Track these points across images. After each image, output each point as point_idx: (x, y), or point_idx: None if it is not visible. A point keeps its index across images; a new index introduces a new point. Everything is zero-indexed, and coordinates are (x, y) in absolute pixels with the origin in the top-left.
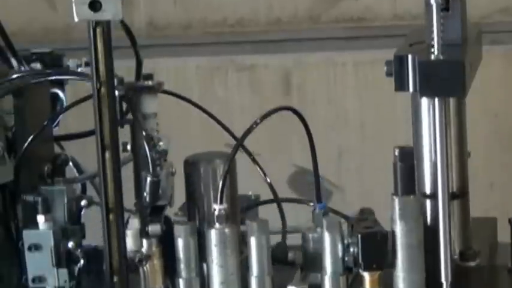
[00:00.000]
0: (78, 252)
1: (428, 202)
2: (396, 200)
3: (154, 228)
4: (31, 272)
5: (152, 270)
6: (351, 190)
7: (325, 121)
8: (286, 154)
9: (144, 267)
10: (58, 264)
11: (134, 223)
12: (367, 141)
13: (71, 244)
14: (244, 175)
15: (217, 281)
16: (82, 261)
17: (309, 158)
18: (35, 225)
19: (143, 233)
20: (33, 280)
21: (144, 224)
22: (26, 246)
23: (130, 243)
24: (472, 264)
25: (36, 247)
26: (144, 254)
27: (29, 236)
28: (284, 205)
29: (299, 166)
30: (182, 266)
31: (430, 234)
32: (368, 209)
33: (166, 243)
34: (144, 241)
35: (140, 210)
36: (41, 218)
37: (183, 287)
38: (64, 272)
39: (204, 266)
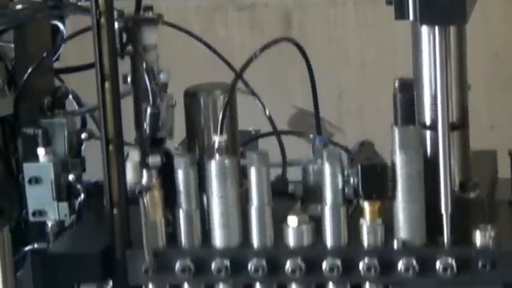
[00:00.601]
0: (79, 186)
1: (428, 133)
2: (396, 131)
3: (154, 159)
4: (31, 206)
5: (152, 202)
6: (351, 131)
7: (326, 61)
8: (287, 95)
9: (144, 199)
10: (58, 198)
11: (134, 155)
12: (368, 81)
13: (71, 177)
14: (244, 113)
15: (218, 212)
16: (82, 196)
17: (309, 100)
18: (35, 158)
19: (143, 164)
20: (34, 214)
21: (144, 156)
22: (26, 179)
23: (130, 175)
24: (472, 195)
25: (36, 180)
26: (144, 186)
27: (29, 169)
28: (285, 142)
29: (299, 107)
30: (182, 197)
31: (430, 166)
32: (368, 142)
33: (166, 175)
34: (144, 172)
35: (140, 142)
36: (41, 151)
37: (183, 218)
38: (64, 205)
39: (204, 198)
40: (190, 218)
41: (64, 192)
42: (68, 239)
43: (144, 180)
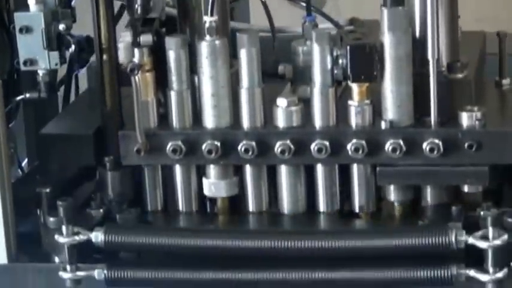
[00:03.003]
0: (69, 37)
1: (417, 12)
2: (385, 11)
3: (146, 37)
4: (22, 55)
5: (144, 81)
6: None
7: None
8: None
9: (136, 78)
10: (49, 47)
11: (126, 36)
12: None
13: (61, 27)
14: None
15: (208, 92)
16: (73, 47)
17: None
18: (26, 7)
19: (135, 43)
20: (25, 63)
21: (135, 35)
22: (17, 28)
23: (122, 56)
24: (459, 76)
25: (27, 29)
26: (136, 63)
27: (20, 19)
28: (277, 9)
29: None
30: (173, 78)
31: (418, 47)
32: (358, 20)
33: (158, 57)
34: (136, 50)
35: (132, 21)
36: (31, 1)
37: (175, 98)
38: (55, 54)
39: (196, 79)
40: (181, 98)
41: (54, 41)
42: (61, 120)
43: (136, 58)
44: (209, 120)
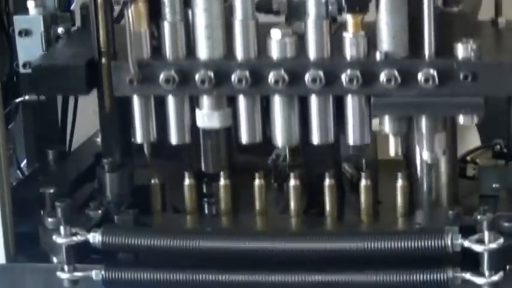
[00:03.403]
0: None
1: None
2: None
3: None
4: (21, 58)
5: (137, 12)
6: None
7: None
8: None
9: (129, 9)
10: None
11: None
12: None
13: (60, 30)
14: None
15: (202, 25)
16: None
17: None
18: (26, 10)
19: None
20: (24, 65)
21: None
22: (16, 31)
23: None
24: (455, 9)
25: (26, 32)
26: None
27: (19, 22)
28: None
29: None
30: (167, 9)
31: None
32: None
33: None
34: None
35: None
36: (31, 4)
37: (168, 29)
38: None
39: (190, 13)
40: (174, 29)
41: (53, 44)
42: (54, 53)
43: None
44: (203, 52)
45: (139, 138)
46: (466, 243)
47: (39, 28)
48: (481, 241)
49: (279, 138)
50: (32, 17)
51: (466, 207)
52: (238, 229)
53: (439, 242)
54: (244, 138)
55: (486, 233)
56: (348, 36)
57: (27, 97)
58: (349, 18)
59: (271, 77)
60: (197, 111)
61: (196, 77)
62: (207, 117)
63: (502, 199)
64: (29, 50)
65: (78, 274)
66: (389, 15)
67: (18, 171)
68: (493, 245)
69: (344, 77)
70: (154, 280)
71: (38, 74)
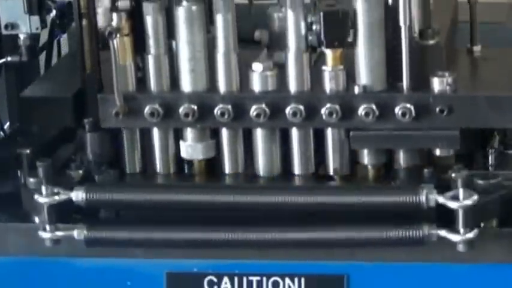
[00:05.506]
0: (51, 2)
1: None
2: None
3: (124, 2)
4: (4, 19)
5: (122, 45)
6: None
7: None
8: None
9: (114, 42)
10: (30, 11)
11: (105, 1)
12: None
13: None
14: None
15: (185, 57)
16: (54, 12)
17: None
18: None
19: (113, 8)
20: (6, 27)
21: (114, 0)
22: None
23: (101, 21)
24: (431, 42)
25: None
26: (114, 27)
27: None
28: None
29: None
30: (151, 42)
31: (391, 13)
32: None
33: (136, 22)
34: (114, 15)
35: None
36: None
37: (152, 62)
38: (36, 19)
39: (173, 44)
40: (158, 62)
41: (35, 6)
42: (42, 83)
43: (114, 22)
44: (186, 84)
45: (126, 167)
46: (441, 200)
47: None
48: (456, 198)
49: (261, 168)
50: None
51: (441, 166)
52: (218, 184)
53: (414, 198)
54: (226, 169)
55: (461, 190)
56: (327, 69)
57: (9, 58)
58: (328, 53)
59: (253, 110)
60: (181, 142)
61: (180, 110)
62: (191, 148)
63: (476, 158)
64: (11, 12)
65: (60, 233)
66: (366, 49)
67: (1, 133)
68: (468, 202)
69: (324, 111)
70: (137, 239)
71: (26, 105)
